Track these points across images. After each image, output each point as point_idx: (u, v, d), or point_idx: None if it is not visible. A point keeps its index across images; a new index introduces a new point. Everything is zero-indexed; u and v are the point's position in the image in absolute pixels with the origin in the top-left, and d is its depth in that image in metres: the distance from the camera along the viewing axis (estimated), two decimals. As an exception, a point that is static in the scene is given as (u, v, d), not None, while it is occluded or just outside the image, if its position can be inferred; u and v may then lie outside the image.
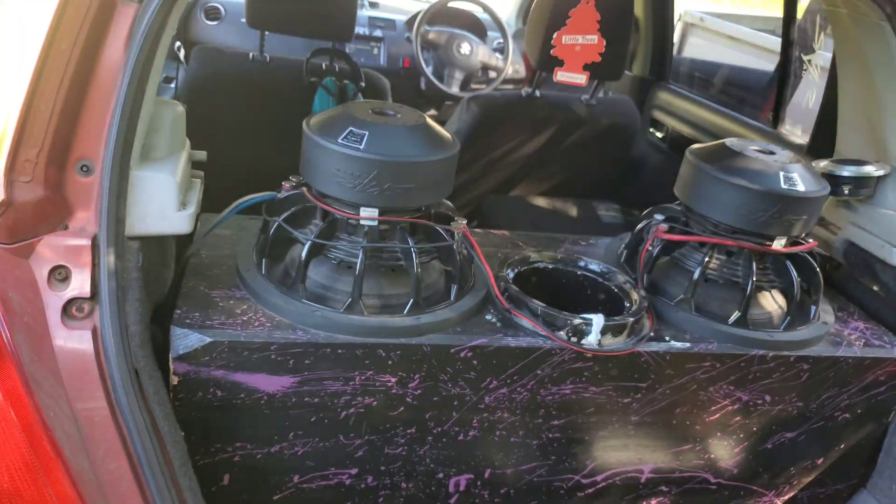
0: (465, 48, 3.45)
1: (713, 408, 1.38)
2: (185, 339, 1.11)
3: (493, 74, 3.59)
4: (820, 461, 1.54)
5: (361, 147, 1.14)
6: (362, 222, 1.20)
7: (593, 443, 1.38)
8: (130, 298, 1.09)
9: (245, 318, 1.16)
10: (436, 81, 3.36)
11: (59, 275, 1.03)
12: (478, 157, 2.50)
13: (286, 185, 1.30)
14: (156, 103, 1.18)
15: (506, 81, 3.68)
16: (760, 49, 3.86)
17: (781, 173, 1.33)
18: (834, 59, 1.75)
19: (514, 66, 3.72)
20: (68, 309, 1.02)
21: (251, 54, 2.17)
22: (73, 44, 1.04)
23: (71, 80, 1.03)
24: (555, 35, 1.83)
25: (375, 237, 1.22)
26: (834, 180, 1.56)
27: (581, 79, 1.63)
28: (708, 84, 3.05)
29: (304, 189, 1.26)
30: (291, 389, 1.17)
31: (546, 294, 1.44)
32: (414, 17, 3.45)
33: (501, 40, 3.62)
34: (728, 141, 1.44)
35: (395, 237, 1.25)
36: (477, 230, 1.68)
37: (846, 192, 1.55)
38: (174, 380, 1.12)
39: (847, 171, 1.54)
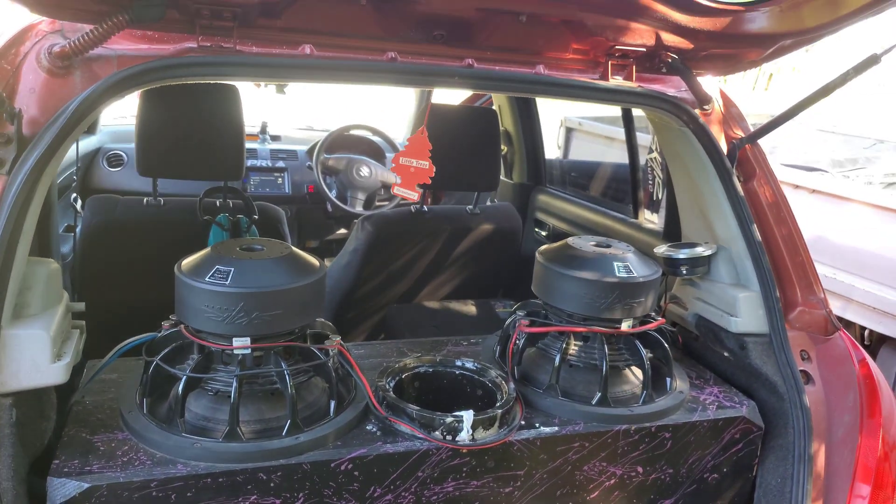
0: (364, 171, 3.67)
1: (591, 486, 1.47)
2: (63, 489, 1.13)
3: None
4: None
5: (227, 282, 1.24)
6: (235, 352, 1.28)
7: None
8: (3, 455, 1.11)
9: (126, 459, 1.19)
10: (339, 204, 3.53)
11: (-73, 441, 1.05)
12: (378, 271, 2.63)
13: (165, 324, 1.37)
14: (29, 262, 1.25)
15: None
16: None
17: (616, 263, 1.52)
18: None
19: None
20: (-64, 474, 1.04)
21: (145, 199, 2.27)
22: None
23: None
24: (393, 155, 2.07)
25: (250, 364, 1.30)
26: (673, 263, 1.77)
27: (414, 195, 1.89)
28: (581, 183, 3.35)
29: (182, 327, 1.34)
30: None
31: (430, 396, 1.53)
32: (313, 146, 3.66)
33: None
34: (570, 240, 1.63)
35: (270, 362, 1.33)
36: (361, 343, 1.78)
37: (684, 272, 1.76)
38: None
39: (682, 254, 1.76)
